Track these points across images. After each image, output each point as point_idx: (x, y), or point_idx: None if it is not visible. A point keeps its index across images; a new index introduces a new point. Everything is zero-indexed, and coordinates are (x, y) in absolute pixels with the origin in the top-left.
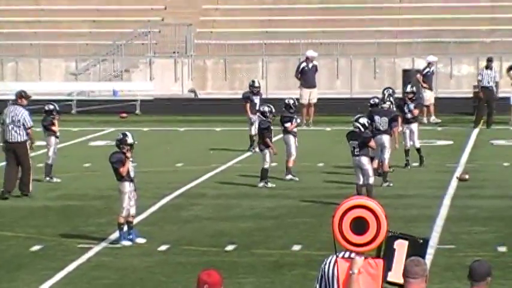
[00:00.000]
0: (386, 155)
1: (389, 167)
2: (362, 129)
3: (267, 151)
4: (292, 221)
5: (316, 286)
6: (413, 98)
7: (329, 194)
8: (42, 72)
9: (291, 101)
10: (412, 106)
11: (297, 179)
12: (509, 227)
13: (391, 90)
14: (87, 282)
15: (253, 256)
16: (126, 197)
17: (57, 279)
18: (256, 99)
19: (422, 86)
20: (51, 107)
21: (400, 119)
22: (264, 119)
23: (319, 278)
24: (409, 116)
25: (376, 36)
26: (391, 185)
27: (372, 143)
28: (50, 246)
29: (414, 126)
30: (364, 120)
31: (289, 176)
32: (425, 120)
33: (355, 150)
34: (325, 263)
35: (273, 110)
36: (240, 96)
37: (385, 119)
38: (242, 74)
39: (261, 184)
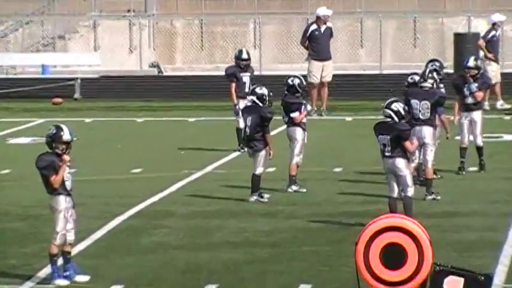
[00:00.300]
0: (430, 155)
1: (435, 173)
2: (396, 119)
3: (263, 152)
4: (297, 251)
5: None
6: (477, 76)
7: (350, 211)
8: None
9: (297, 81)
10: (474, 86)
11: (304, 190)
12: None
13: (437, 64)
14: None
15: None
16: (61, 216)
17: None
18: (245, 77)
19: (486, 57)
20: None
21: (457, 105)
22: (262, 105)
23: None
24: (469, 100)
25: None
26: (439, 198)
27: (410, 144)
28: None
29: (477, 115)
30: (399, 106)
31: (294, 187)
32: (486, 105)
33: (387, 148)
34: None
35: (271, 93)
36: (223, 72)
37: (427, 104)
38: (225, 41)
39: (254, 198)
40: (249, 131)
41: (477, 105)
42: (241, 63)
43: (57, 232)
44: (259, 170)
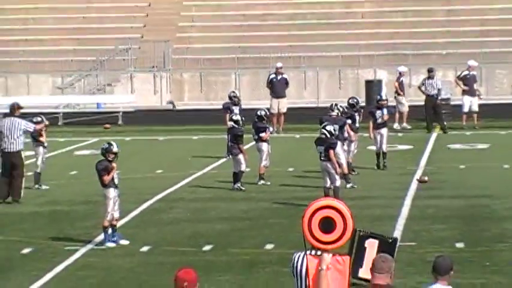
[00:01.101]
0: (342, 159)
1: (353, 170)
2: (329, 136)
3: (240, 155)
4: (265, 222)
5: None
6: (386, 105)
7: (299, 196)
8: (30, 87)
9: (263, 112)
10: (385, 111)
11: (268, 183)
12: (466, 224)
13: (355, 100)
14: (74, 281)
15: (229, 255)
16: (111, 202)
17: (46, 279)
18: (236, 110)
19: (398, 93)
20: (39, 119)
21: (371, 125)
22: (237, 127)
23: (294, 273)
24: (380, 121)
25: (340, 50)
26: (355, 186)
27: (333, 153)
28: (39, 248)
29: (384, 130)
30: (330, 128)
31: (262, 181)
32: (397, 126)
33: (322, 155)
34: (295, 260)
35: (243, 118)
36: (215, 106)
37: (336, 126)
38: (217, 86)
39: (237, 185)
40: (229, 143)
41: (384, 124)
42: (235, 100)
43: (107, 212)
44: (243, 167)
